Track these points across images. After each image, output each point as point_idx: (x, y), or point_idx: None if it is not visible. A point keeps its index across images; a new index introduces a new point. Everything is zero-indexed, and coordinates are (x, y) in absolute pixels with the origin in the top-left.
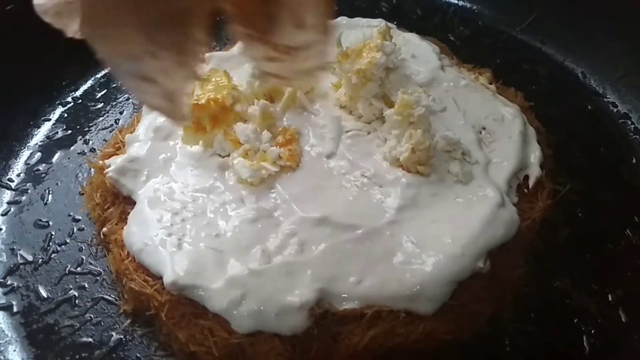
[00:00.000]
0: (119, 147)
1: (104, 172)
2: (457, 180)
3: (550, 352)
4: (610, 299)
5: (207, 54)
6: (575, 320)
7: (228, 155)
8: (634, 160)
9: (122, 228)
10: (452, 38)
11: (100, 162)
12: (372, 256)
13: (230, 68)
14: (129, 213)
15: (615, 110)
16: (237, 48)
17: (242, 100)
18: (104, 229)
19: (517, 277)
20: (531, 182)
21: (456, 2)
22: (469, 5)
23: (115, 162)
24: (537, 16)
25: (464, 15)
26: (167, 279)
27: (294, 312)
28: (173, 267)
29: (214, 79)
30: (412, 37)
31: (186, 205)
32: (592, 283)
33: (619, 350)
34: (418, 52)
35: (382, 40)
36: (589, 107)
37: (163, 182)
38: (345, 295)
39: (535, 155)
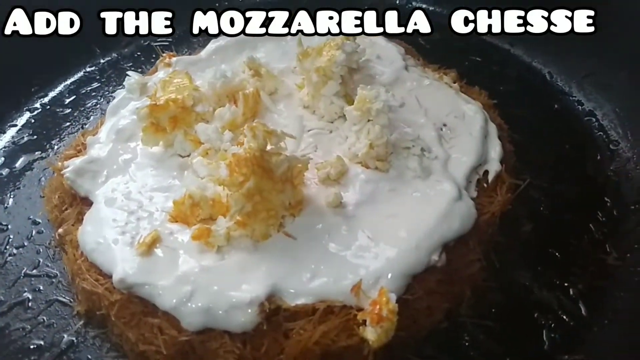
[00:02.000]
0: (80, 150)
1: (62, 172)
2: (416, 175)
3: (509, 347)
4: (571, 293)
5: (174, 59)
6: (536, 315)
7: (189, 156)
8: (599, 157)
9: (78, 229)
10: (422, 42)
11: (60, 163)
12: (327, 251)
13: (195, 71)
14: (85, 214)
15: (580, 108)
16: (204, 53)
17: (203, 100)
18: (60, 230)
19: (475, 272)
20: (490, 177)
21: (427, 6)
22: (439, 9)
23: (74, 163)
24: None
25: (434, 20)
26: (116, 276)
27: (243, 308)
28: (123, 265)
29: (175, 80)
30: (379, 39)
31: (142, 204)
32: (553, 278)
33: (578, 345)
34: (383, 53)
35: (343, 39)
36: (556, 106)
37: (121, 182)
38: (298, 291)
39: (495, 150)
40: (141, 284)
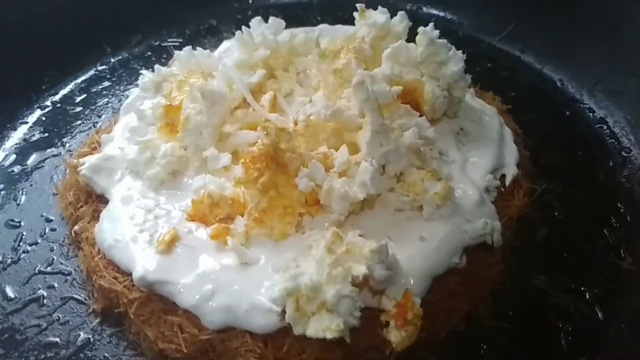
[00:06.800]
0: (94, 148)
1: (78, 169)
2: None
3: (527, 350)
4: (587, 297)
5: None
6: (553, 318)
7: None
8: (611, 163)
9: (94, 226)
10: None
11: (75, 160)
12: None
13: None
14: (101, 211)
15: (592, 115)
16: (217, 52)
17: None
18: (76, 227)
19: (494, 274)
20: (507, 181)
21: (437, 13)
22: (449, 16)
23: (90, 160)
24: (516, 26)
25: (445, 26)
26: (137, 274)
27: (265, 310)
28: (143, 263)
29: (191, 80)
30: None
31: (159, 202)
32: (569, 281)
33: (595, 348)
34: None
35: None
36: (567, 113)
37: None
38: None
39: (511, 155)
40: (162, 282)
